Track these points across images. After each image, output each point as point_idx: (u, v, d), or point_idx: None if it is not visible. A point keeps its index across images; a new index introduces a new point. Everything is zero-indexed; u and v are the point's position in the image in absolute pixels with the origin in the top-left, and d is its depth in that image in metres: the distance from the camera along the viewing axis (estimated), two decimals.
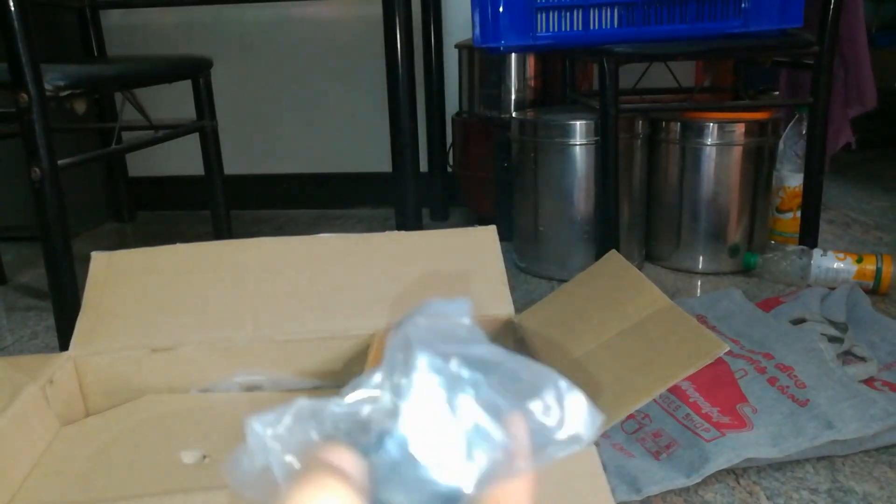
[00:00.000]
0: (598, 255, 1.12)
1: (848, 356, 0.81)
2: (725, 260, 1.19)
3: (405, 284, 0.66)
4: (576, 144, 1.15)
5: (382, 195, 1.70)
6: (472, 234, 0.70)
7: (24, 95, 0.84)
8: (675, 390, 0.74)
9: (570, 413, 0.19)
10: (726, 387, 0.74)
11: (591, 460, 0.44)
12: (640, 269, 0.78)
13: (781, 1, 1.02)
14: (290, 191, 1.75)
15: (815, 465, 0.67)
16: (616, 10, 1.03)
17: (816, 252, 1.11)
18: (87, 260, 0.70)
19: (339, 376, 0.66)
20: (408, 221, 1.10)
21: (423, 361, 0.19)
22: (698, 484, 0.64)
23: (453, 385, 0.19)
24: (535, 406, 0.19)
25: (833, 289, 0.99)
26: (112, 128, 1.11)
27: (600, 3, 1.03)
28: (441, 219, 1.61)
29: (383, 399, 0.19)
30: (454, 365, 0.19)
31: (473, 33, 1.06)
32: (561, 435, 0.19)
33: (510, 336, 0.67)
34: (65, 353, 0.64)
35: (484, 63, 1.41)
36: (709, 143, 1.15)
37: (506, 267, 0.67)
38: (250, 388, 0.66)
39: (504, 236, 0.70)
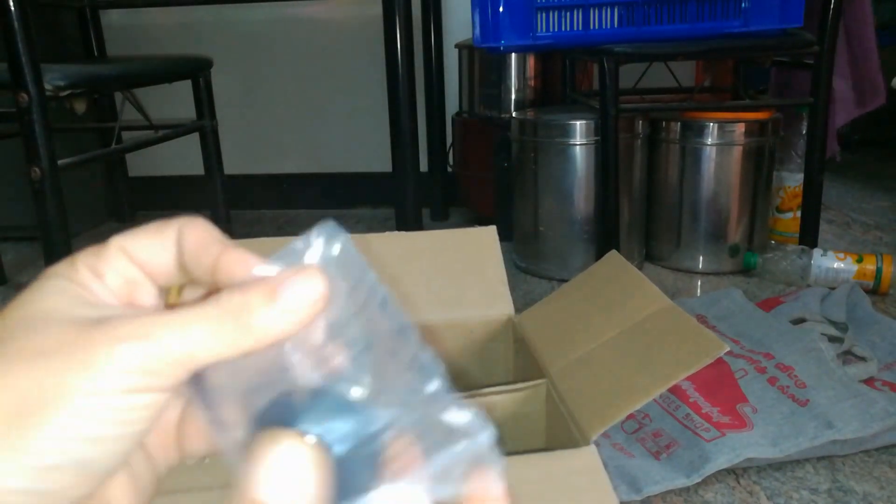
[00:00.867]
0: (598, 255, 1.12)
1: (848, 356, 0.81)
2: (725, 260, 1.19)
3: (405, 285, 0.66)
4: (576, 144, 1.14)
5: (382, 195, 1.70)
6: (471, 234, 0.70)
7: (24, 95, 0.84)
8: (675, 390, 0.74)
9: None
10: (726, 387, 0.74)
11: (591, 458, 0.43)
12: (640, 269, 0.78)
13: (781, 0, 1.02)
14: (290, 191, 1.74)
15: (816, 464, 0.67)
16: (616, 10, 1.03)
17: (816, 252, 1.11)
18: None
19: None
20: (407, 221, 1.10)
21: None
22: (698, 484, 0.64)
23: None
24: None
25: (833, 289, 0.99)
26: (112, 128, 1.11)
27: (600, 2, 1.03)
28: (441, 219, 1.61)
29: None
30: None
31: (473, 33, 1.06)
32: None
33: (510, 336, 0.67)
34: None
35: (484, 63, 1.41)
36: (709, 142, 1.15)
37: (505, 267, 0.67)
38: None
39: (504, 236, 0.70)
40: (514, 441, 0.56)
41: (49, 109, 0.86)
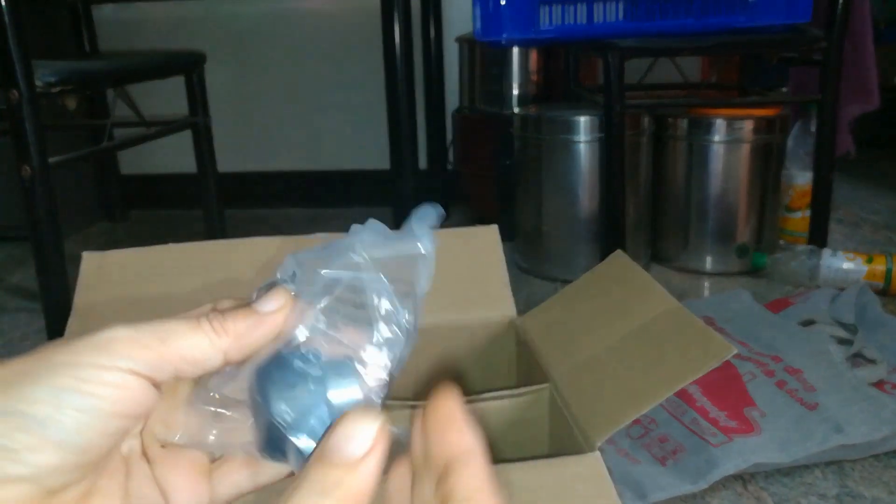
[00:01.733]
0: (603, 255, 1.10)
1: (857, 358, 0.80)
2: (734, 260, 1.18)
3: None
4: (580, 141, 1.13)
5: (380, 193, 1.68)
6: (472, 233, 0.69)
7: (15, 92, 0.83)
8: (681, 394, 0.73)
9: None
10: (734, 390, 0.74)
11: (596, 465, 0.42)
12: (646, 270, 0.77)
13: None
14: (286, 189, 1.73)
15: (824, 469, 0.67)
16: (621, 4, 1.02)
17: (826, 252, 1.10)
18: (78, 260, 0.69)
19: None
20: (406, 221, 1.08)
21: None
22: (705, 490, 0.63)
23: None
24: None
25: (842, 290, 0.98)
26: (103, 125, 1.10)
27: None
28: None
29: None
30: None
31: (475, 26, 1.05)
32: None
33: (512, 339, 0.65)
34: None
35: (485, 57, 1.40)
36: (716, 140, 1.13)
37: (508, 268, 0.66)
38: None
39: (506, 236, 0.69)
40: (516, 447, 0.55)
41: (40, 107, 0.85)
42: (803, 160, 1.23)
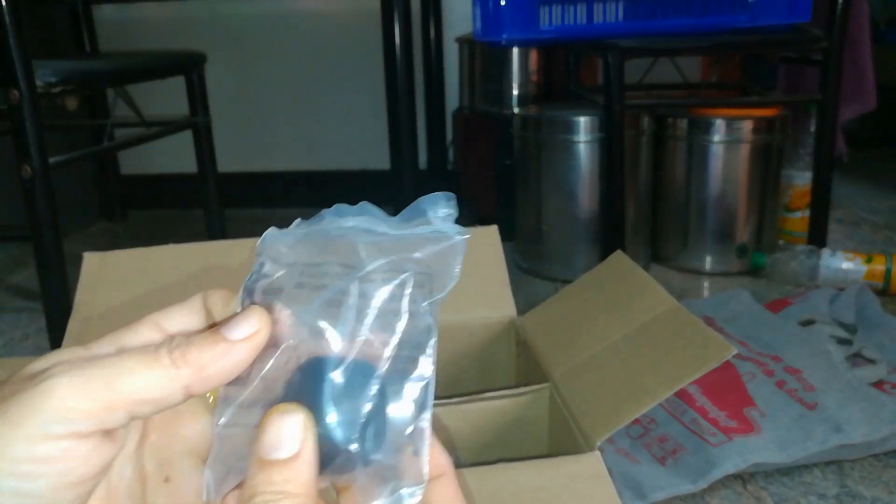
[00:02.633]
0: (603, 255, 1.10)
1: (857, 358, 0.80)
2: (733, 260, 1.18)
3: None
4: (580, 141, 1.13)
5: (380, 193, 1.67)
6: (472, 233, 0.68)
7: (16, 92, 0.83)
8: (681, 394, 0.73)
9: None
10: (734, 390, 0.73)
11: (596, 464, 0.42)
12: (646, 270, 0.77)
13: None
14: (286, 189, 1.73)
15: (824, 469, 0.67)
16: (621, 4, 1.02)
17: (825, 252, 1.10)
18: (78, 260, 0.69)
19: None
20: None
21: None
22: (705, 490, 0.63)
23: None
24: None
25: (842, 290, 0.98)
26: (104, 125, 1.10)
27: None
28: None
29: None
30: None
31: (475, 26, 1.05)
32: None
33: (512, 339, 0.65)
34: None
35: (485, 57, 1.40)
36: (716, 140, 1.13)
37: (508, 268, 0.66)
38: None
39: (506, 236, 0.69)
40: (516, 447, 0.55)
41: (40, 106, 0.85)
42: (803, 160, 1.23)
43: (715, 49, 1.20)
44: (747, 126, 1.13)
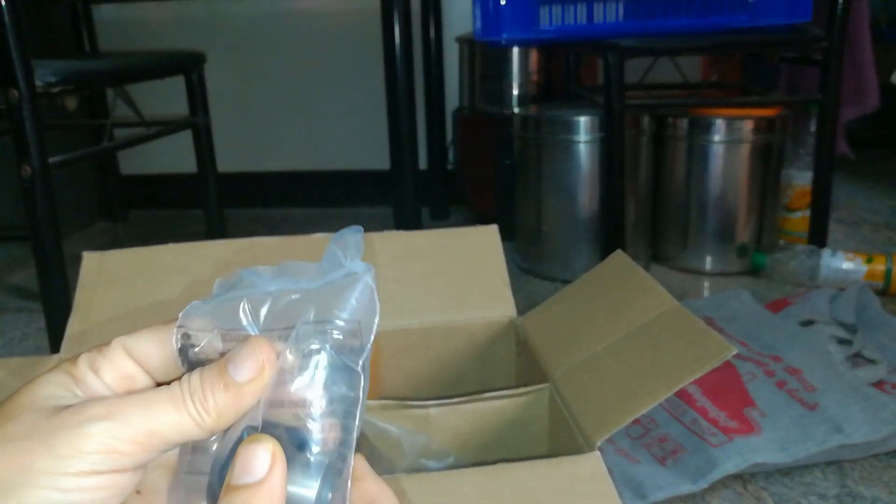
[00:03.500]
0: (603, 255, 1.10)
1: (857, 358, 0.80)
2: (733, 260, 1.18)
3: (404, 285, 0.64)
4: (580, 141, 1.13)
5: (380, 193, 1.68)
6: (472, 233, 0.68)
7: (15, 92, 0.83)
8: (681, 394, 0.72)
9: None
10: (734, 390, 0.73)
11: (596, 465, 0.42)
12: (646, 270, 0.77)
13: None
14: (286, 189, 1.73)
15: (824, 469, 0.67)
16: (621, 3, 1.02)
17: (826, 252, 1.10)
18: (78, 260, 0.69)
19: None
20: (406, 220, 1.08)
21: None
22: (705, 490, 0.63)
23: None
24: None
25: (842, 289, 0.98)
26: (103, 124, 1.10)
27: None
28: (441, 218, 1.59)
29: None
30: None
31: (475, 26, 1.05)
32: None
33: (512, 339, 0.65)
34: (56, 356, 0.62)
35: (485, 57, 1.40)
36: (716, 139, 1.13)
37: (508, 268, 0.66)
38: None
39: (506, 236, 0.69)
40: (516, 447, 0.55)
41: (40, 106, 0.85)
42: (803, 160, 1.23)
43: (715, 49, 1.20)
44: (747, 126, 1.13)
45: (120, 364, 0.23)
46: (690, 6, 1.02)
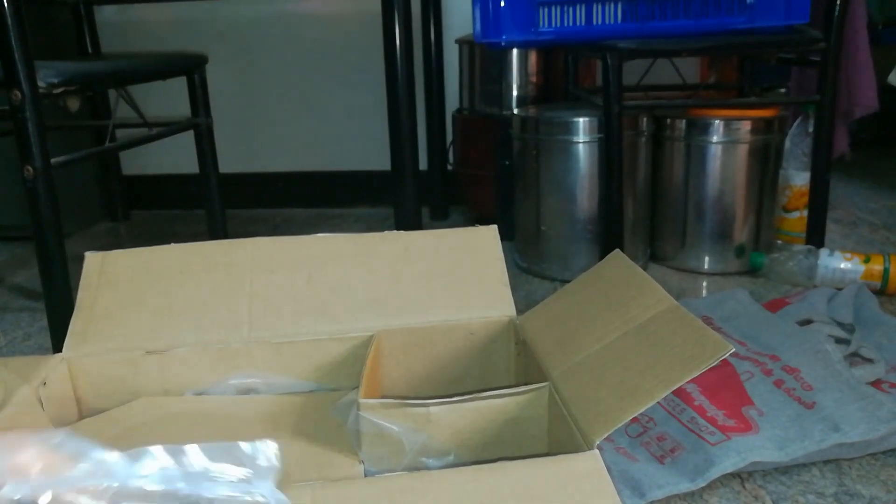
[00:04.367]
0: (602, 255, 1.11)
1: (855, 358, 0.80)
2: (731, 260, 1.18)
3: (404, 285, 0.65)
4: (579, 142, 1.13)
5: (381, 194, 1.69)
6: (472, 233, 0.69)
7: (18, 93, 0.83)
8: (679, 393, 0.73)
9: None
10: (732, 389, 0.73)
11: (595, 463, 0.43)
12: (644, 269, 0.78)
13: None
14: (287, 189, 1.74)
15: (822, 468, 0.66)
16: (619, 5, 1.02)
17: (823, 252, 1.10)
18: (80, 260, 0.69)
19: (336, 379, 0.65)
20: (407, 221, 1.09)
21: None
22: (703, 488, 0.63)
23: None
24: None
25: (840, 289, 0.98)
26: (106, 125, 1.11)
27: None
28: (441, 218, 1.60)
29: None
30: None
31: (474, 28, 1.06)
32: None
33: (511, 338, 0.65)
34: (58, 355, 0.63)
35: (485, 59, 1.40)
36: (714, 140, 1.14)
37: (507, 267, 0.66)
38: (246, 391, 0.65)
39: (505, 236, 0.69)
40: (515, 445, 0.55)
41: (42, 107, 0.85)
42: (800, 160, 1.23)
43: (713, 50, 1.20)
44: (745, 127, 1.13)
45: None
46: (688, 8, 1.03)
